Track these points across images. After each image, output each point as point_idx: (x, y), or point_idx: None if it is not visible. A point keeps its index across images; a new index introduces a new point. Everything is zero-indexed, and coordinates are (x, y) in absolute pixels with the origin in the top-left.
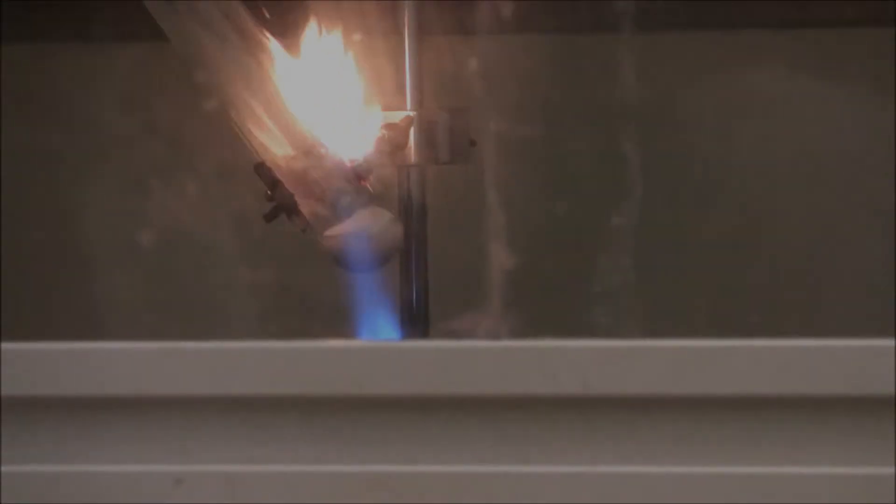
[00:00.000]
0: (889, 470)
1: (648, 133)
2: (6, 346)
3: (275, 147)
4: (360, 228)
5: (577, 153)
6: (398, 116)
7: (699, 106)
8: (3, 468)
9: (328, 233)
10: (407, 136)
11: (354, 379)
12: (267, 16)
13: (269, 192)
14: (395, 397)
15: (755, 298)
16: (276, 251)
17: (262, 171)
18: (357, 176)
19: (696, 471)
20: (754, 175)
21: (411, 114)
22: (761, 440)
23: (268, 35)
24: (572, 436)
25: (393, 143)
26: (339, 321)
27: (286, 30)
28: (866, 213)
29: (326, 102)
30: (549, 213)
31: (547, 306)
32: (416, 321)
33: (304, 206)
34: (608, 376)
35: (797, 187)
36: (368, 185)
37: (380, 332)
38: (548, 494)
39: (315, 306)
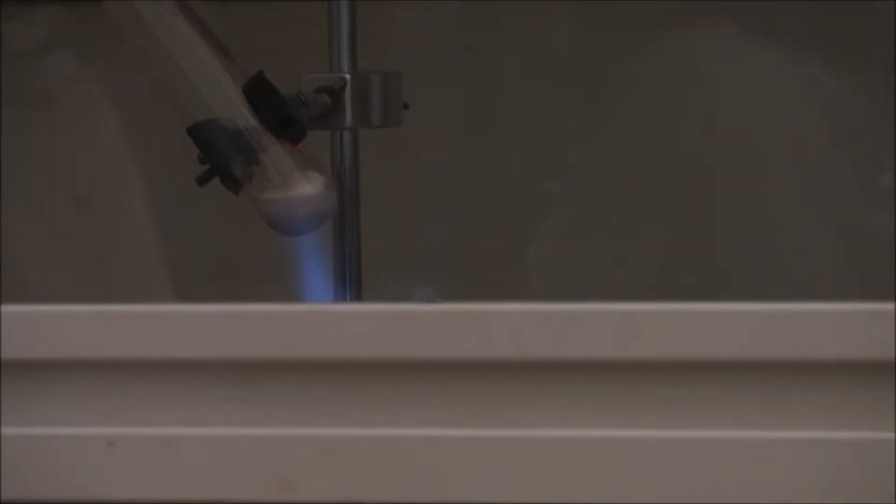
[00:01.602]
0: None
1: (593, 98)
2: None
3: (206, 110)
4: (295, 192)
5: (513, 119)
6: (332, 80)
7: (646, 72)
8: None
9: (263, 196)
10: (341, 99)
11: (288, 342)
12: None
13: (201, 155)
14: (329, 360)
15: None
16: (208, 213)
17: (196, 133)
18: (290, 139)
19: (635, 435)
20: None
21: (345, 77)
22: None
23: None
24: (508, 400)
25: (326, 107)
26: (272, 284)
27: None
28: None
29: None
30: (483, 176)
31: (482, 270)
32: (349, 284)
33: (238, 169)
34: (544, 339)
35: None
36: (302, 149)
37: (313, 295)
38: (483, 458)
39: (248, 269)
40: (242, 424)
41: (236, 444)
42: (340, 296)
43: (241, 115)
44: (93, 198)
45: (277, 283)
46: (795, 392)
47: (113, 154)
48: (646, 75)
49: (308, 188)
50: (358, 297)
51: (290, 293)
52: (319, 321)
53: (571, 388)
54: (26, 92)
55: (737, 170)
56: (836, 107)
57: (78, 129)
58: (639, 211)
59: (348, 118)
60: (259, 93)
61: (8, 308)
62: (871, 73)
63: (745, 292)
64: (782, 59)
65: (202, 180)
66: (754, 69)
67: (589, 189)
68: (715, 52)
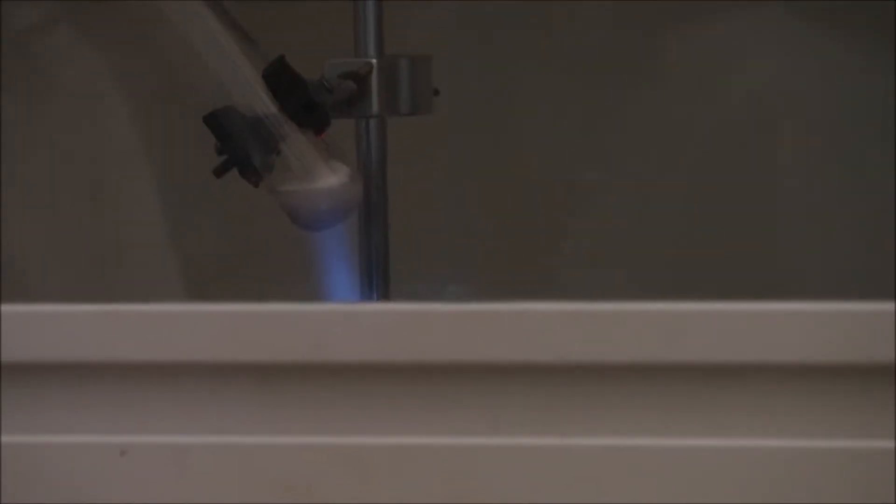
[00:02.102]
0: (889, 444)
1: (624, 82)
2: None
3: (224, 97)
4: (318, 184)
5: (548, 104)
6: (357, 64)
7: (684, 57)
8: None
9: (283, 188)
10: (367, 85)
11: (311, 344)
12: None
13: (219, 145)
14: (353, 364)
15: (733, 261)
16: (224, 206)
17: (212, 122)
18: (313, 128)
19: (679, 444)
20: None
21: (372, 61)
22: (756, 411)
23: None
24: (547, 407)
25: (352, 93)
26: (294, 282)
27: None
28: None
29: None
30: (516, 166)
31: (516, 267)
32: (375, 282)
33: (257, 160)
34: (586, 342)
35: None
36: (326, 139)
37: (338, 293)
38: (520, 468)
39: (269, 266)
40: (262, 432)
41: (256, 452)
42: (366, 295)
43: (261, 102)
44: (97, 189)
45: (299, 282)
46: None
47: (120, 142)
48: (684, 61)
49: (332, 179)
50: (385, 296)
51: (313, 292)
52: (343, 322)
53: (612, 393)
54: (27, 74)
55: (782, 163)
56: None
57: (81, 114)
58: (678, 204)
59: (375, 105)
60: (280, 78)
61: (9, 308)
62: None
63: (801, 292)
64: (829, 46)
65: (219, 171)
66: (800, 55)
67: (626, 181)
68: (755, 37)
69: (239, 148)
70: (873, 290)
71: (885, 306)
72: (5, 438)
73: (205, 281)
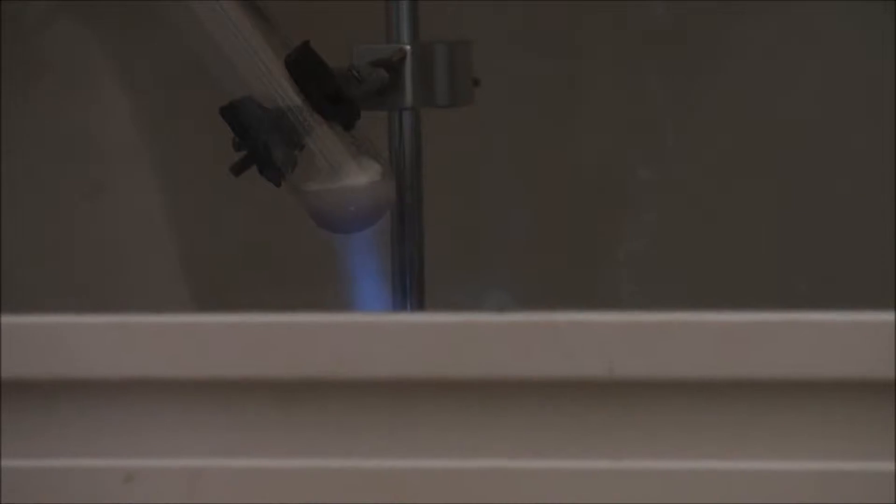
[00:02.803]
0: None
1: (680, 71)
2: None
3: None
4: (346, 183)
5: (596, 93)
6: (390, 51)
7: (749, 46)
8: None
9: (308, 187)
10: (400, 73)
11: (337, 358)
12: None
13: (236, 140)
14: (385, 380)
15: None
16: (240, 207)
17: (230, 114)
18: (341, 121)
19: (740, 467)
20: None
21: (405, 48)
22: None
23: None
24: (595, 425)
25: (383, 83)
26: (319, 291)
27: None
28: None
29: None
30: (566, 164)
31: (564, 273)
32: (409, 291)
33: (279, 156)
34: (637, 356)
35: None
36: (355, 133)
37: (368, 303)
38: (565, 492)
39: (291, 273)
40: (280, 455)
41: (273, 476)
42: (399, 304)
43: (284, 93)
44: (99, 186)
45: (324, 290)
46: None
47: (124, 137)
48: (748, 50)
49: (361, 178)
50: (420, 305)
51: (340, 301)
52: (373, 334)
53: (667, 411)
54: (26, 62)
55: (854, 161)
56: None
57: (82, 106)
58: (740, 204)
59: (409, 96)
60: (304, 66)
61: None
62: None
63: (874, 301)
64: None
65: (238, 169)
66: (879, 43)
67: (682, 179)
68: (829, 23)
69: (259, 143)
70: None
71: (885, 317)
72: (4, 463)
73: (218, 289)
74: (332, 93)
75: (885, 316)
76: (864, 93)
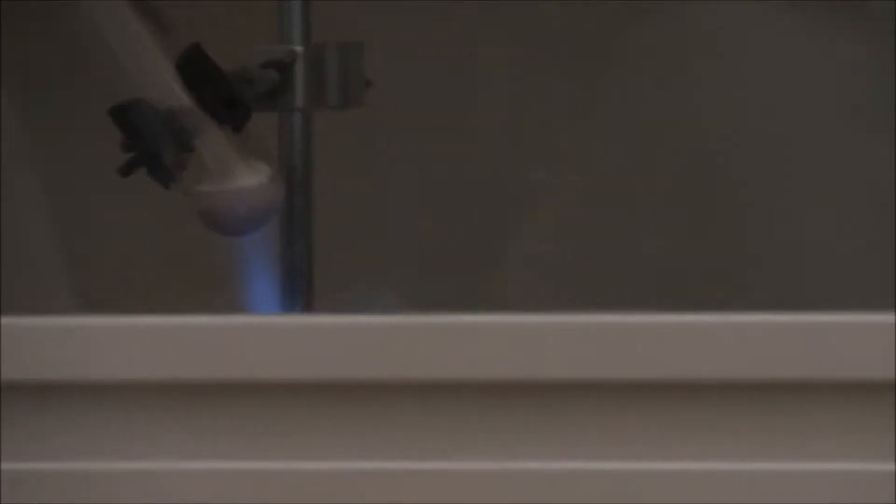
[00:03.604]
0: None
1: (587, 74)
2: None
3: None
4: (235, 184)
5: (494, 96)
6: (281, 53)
7: (650, 43)
8: None
9: (198, 189)
10: (291, 75)
11: (226, 360)
12: None
13: (126, 141)
14: (274, 382)
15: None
16: (127, 209)
17: (119, 115)
18: (231, 123)
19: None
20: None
21: (297, 49)
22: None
23: None
24: (482, 427)
25: (274, 84)
26: (208, 292)
27: None
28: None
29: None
30: (457, 166)
31: (454, 275)
32: (298, 292)
33: (168, 158)
34: (531, 357)
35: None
36: (245, 135)
37: (255, 305)
38: (445, 495)
39: (179, 275)
40: (173, 457)
41: (165, 478)
42: (288, 306)
43: (174, 94)
44: None
45: (213, 292)
46: (775, 417)
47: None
48: (649, 47)
49: (251, 179)
50: (308, 307)
51: (229, 303)
52: (262, 336)
53: (555, 411)
54: None
55: (756, 158)
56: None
57: None
58: (641, 205)
59: (300, 97)
60: (195, 68)
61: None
62: None
63: (771, 303)
64: (809, 27)
65: (126, 170)
66: (778, 40)
67: (582, 179)
68: (730, 21)
69: (148, 144)
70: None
71: (885, 318)
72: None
73: (106, 291)
74: (222, 94)
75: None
76: (766, 93)
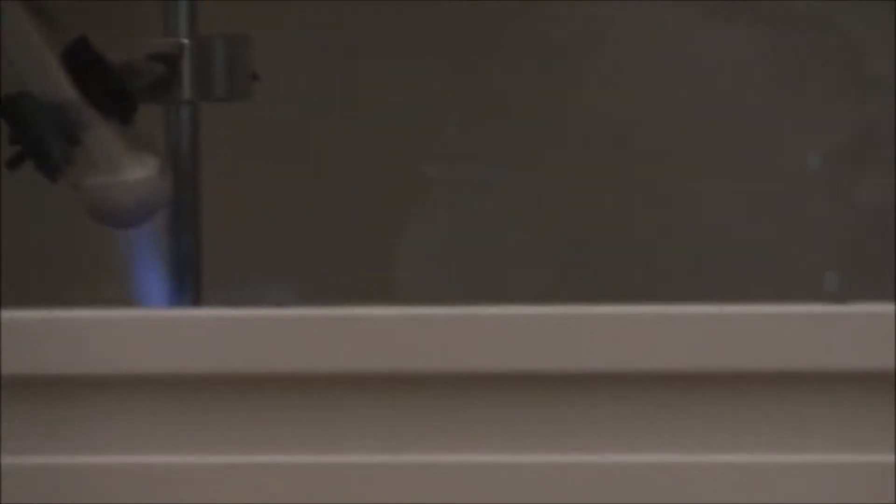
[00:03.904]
0: (888, 458)
1: (479, 63)
2: None
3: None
4: (123, 177)
5: (383, 90)
6: (168, 45)
7: (543, 31)
8: None
9: (85, 182)
10: (178, 67)
11: (113, 354)
12: None
13: (12, 134)
14: (161, 376)
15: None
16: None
17: (4, 108)
18: (118, 115)
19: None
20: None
21: (183, 42)
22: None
23: None
24: (377, 420)
25: (161, 77)
26: (96, 286)
27: None
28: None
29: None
30: (346, 159)
31: (345, 268)
32: (186, 286)
33: (55, 151)
34: (422, 348)
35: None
36: (132, 127)
37: (144, 298)
38: (353, 483)
39: (67, 268)
40: (54, 451)
41: (45, 473)
42: (176, 299)
43: (60, 87)
44: None
45: (101, 285)
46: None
47: None
48: (542, 35)
49: (139, 172)
50: (197, 300)
51: (118, 296)
52: (150, 329)
53: (453, 404)
54: None
55: (651, 148)
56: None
57: None
58: (535, 197)
59: (187, 90)
60: (81, 60)
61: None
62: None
63: (666, 295)
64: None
65: (12, 163)
66: (672, 24)
67: (474, 172)
68: (628, 11)
69: (35, 138)
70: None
71: (885, 308)
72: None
73: None
74: (109, 87)
75: (885, 307)
76: (664, 82)
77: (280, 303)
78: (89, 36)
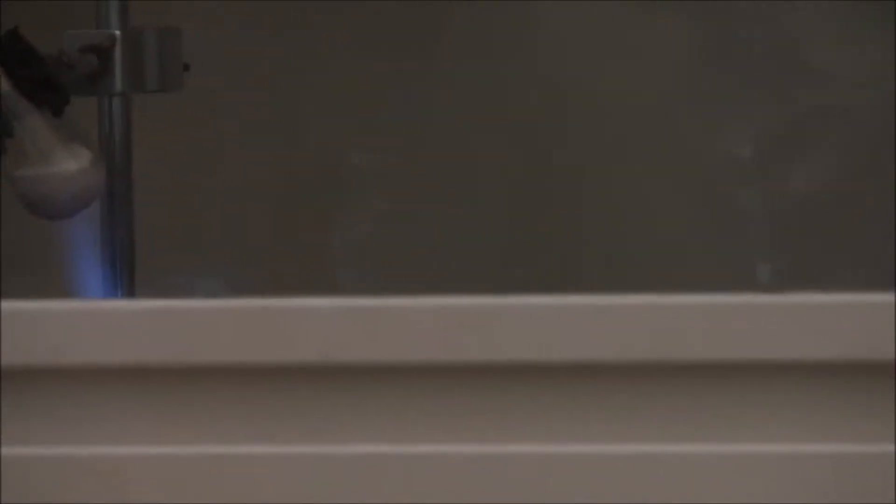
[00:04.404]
0: (888, 448)
1: (412, 53)
2: None
3: None
4: (56, 168)
5: (315, 81)
6: (99, 37)
7: (475, 22)
8: None
9: (18, 173)
10: (110, 59)
11: (47, 346)
12: None
13: None
14: (97, 366)
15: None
16: None
17: None
18: (51, 107)
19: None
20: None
21: (115, 33)
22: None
23: None
24: (311, 410)
25: (93, 68)
26: (31, 277)
27: None
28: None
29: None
30: (279, 150)
31: (277, 260)
32: (120, 277)
33: None
34: (354, 341)
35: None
36: (65, 119)
37: (79, 290)
38: (286, 476)
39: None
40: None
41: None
42: (109, 290)
43: None
44: None
45: (37, 276)
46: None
47: None
48: (475, 26)
49: (71, 164)
50: (130, 291)
51: (52, 287)
52: (85, 321)
53: (388, 398)
54: None
55: (586, 138)
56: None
57: None
58: (471, 188)
59: (118, 81)
60: (13, 52)
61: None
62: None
63: (600, 286)
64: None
65: None
66: (605, 14)
67: (407, 163)
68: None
69: None
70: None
71: (885, 297)
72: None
73: None
74: (41, 79)
75: (886, 297)
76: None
77: (213, 294)
78: (21, 28)
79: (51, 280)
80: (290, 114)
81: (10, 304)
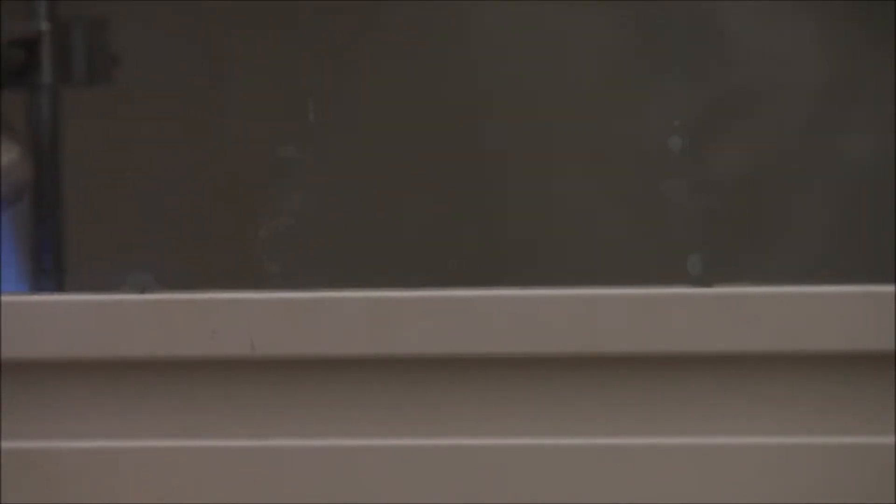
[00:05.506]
0: (888, 440)
1: (341, 45)
2: None
3: None
4: None
5: (246, 73)
6: (26, 30)
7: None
8: None
9: None
10: (37, 52)
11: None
12: None
13: None
14: (24, 360)
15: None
16: None
17: None
18: None
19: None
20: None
21: (42, 26)
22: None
23: None
24: (238, 403)
25: (20, 62)
26: None
27: None
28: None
29: None
30: (208, 143)
31: (206, 254)
32: (48, 271)
33: None
34: (280, 334)
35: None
36: None
37: (6, 285)
38: (213, 468)
39: None
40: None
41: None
42: (37, 285)
43: None
44: None
45: None
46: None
47: None
48: (404, 18)
49: None
50: (60, 286)
51: None
52: (11, 315)
53: (313, 387)
54: None
55: (512, 128)
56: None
57: None
58: (402, 181)
59: (46, 74)
60: None
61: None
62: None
63: (539, 281)
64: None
65: None
66: (532, 7)
67: (336, 155)
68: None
69: None
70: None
71: (885, 289)
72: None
73: None
74: None
75: (886, 288)
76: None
77: (143, 288)
78: None
79: None
80: (219, 107)
81: None
